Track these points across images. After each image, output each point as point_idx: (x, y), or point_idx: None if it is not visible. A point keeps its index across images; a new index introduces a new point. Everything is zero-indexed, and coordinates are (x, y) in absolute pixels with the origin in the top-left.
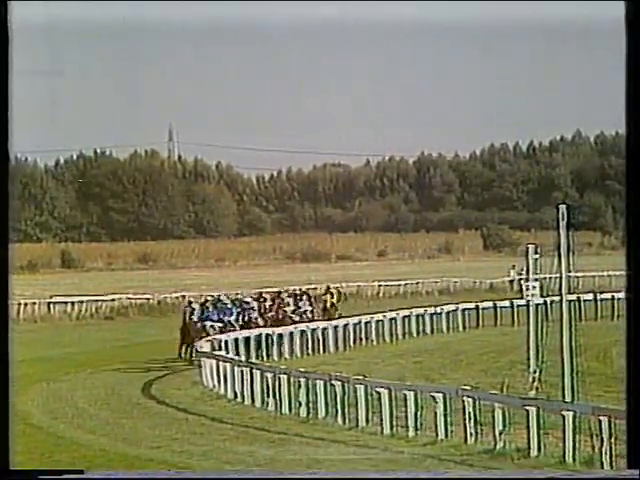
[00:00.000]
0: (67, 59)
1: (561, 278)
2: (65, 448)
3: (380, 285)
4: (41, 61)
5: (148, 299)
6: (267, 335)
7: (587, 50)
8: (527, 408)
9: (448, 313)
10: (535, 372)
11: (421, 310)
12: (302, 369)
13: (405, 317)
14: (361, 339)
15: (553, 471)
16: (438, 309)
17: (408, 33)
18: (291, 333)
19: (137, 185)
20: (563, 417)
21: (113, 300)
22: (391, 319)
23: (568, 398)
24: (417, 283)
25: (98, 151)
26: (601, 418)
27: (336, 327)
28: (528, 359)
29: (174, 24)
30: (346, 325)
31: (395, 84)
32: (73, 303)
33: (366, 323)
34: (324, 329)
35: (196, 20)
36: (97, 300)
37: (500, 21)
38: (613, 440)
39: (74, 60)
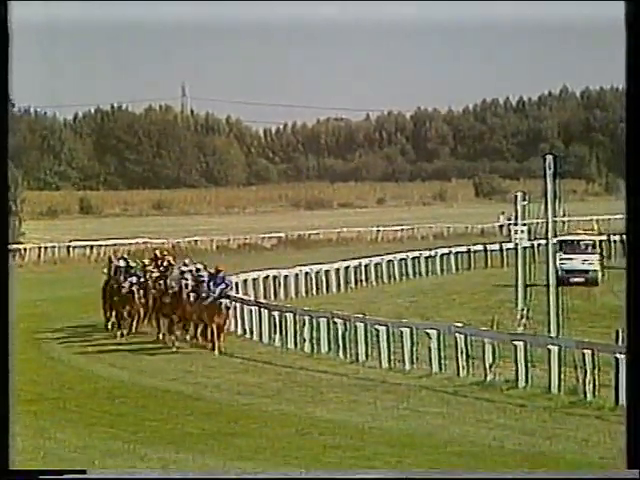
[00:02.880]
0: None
1: (547, 223)
2: (87, 380)
3: (379, 230)
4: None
5: (163, 243)
6: (274, 276)
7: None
8: (515, 343)
9: (442, 256)
10: (523, 310)
11: (417, 253)
12: (306, 308)
13: (402, 260)
14: (361, 280)
15: (551, 471)
16: (433, 252)
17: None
18: (297, 275)
19: (152, 137)
20: (549, 351)
21: (130, 244)
22: (389, 262)
23: (554, 334)
24: (413, 228)
25: (115, 105)
26: (584, 351)
27: (338, 269)
28: (516, 298)
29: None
30: (347, 267)
31: (396, 46)
32: (92, 247)
33: (366, 266)
34: (327, 271)
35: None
36: (115, 244)
37: None
38: (596, 372)
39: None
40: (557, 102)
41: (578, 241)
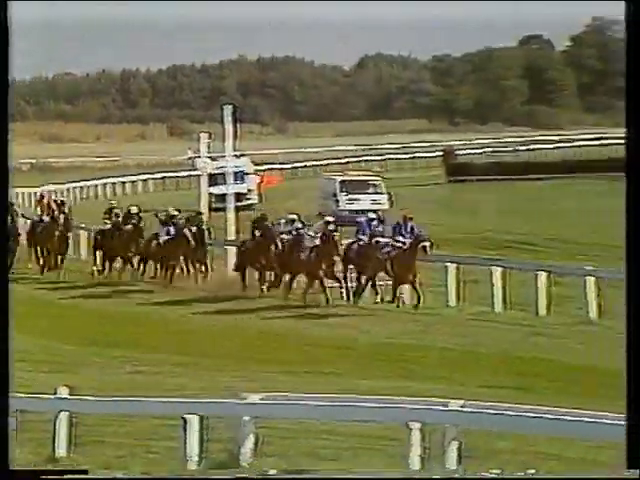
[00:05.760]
0: None
1: (226, 156)
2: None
3: (94, 161)
4: None
5: None
6: (29, 193)
7: None
8: None
9: (143, 181)
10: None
11: (123, 178)
12: None
13: (113, 184)
14: (83, 198)
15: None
16: (135, 178)
17: None
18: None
19: None
20: None
21: None
22: (104, 184)
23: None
24: (118, 160)
25: None
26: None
27: (68, 189)
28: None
29: None
30: (75, 187)
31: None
32: None
33: (88, 187)
34: (61, 190)
35: None
36: None
37: None
38: None
39: None
40: (235, 65)
41: (360, 181)
